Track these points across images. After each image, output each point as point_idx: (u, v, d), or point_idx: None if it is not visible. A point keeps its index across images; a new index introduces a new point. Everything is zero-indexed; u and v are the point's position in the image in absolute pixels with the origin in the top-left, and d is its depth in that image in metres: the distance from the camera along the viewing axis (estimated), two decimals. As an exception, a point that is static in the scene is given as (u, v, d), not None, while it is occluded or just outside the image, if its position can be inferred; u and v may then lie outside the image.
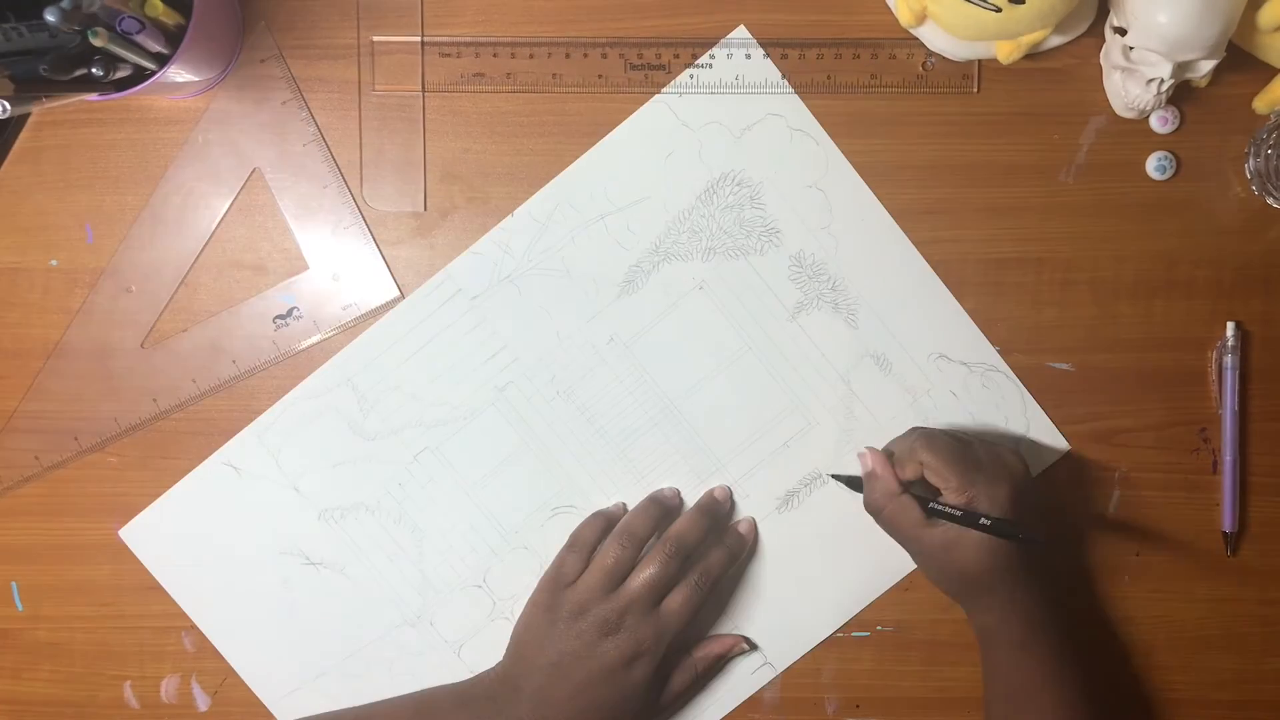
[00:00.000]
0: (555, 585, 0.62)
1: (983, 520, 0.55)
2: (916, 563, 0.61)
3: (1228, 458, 0.63)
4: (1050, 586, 0.59)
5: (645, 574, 0.60)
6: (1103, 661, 0.65)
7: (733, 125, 0.62)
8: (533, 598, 0.63)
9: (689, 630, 0.61)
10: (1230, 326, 0.63)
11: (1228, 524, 0.64)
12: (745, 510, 0.65)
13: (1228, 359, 0.63)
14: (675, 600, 0.60)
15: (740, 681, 0.65)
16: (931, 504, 0.57)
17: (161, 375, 0.64)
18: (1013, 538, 0.55)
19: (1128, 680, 0.65)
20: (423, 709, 0.62)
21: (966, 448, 0.58)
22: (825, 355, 0.63)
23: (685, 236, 0.63)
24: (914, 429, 0.62)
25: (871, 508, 0.60)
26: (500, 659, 0.63)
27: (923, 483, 0.59)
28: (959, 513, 0.56)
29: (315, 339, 0.64)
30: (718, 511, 0.64)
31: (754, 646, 0.65)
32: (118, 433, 0.64)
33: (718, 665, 0.64)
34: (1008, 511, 0.56)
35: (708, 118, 0.63)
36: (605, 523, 0.63)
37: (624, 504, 0.65)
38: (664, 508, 0.63)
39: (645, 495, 0.64)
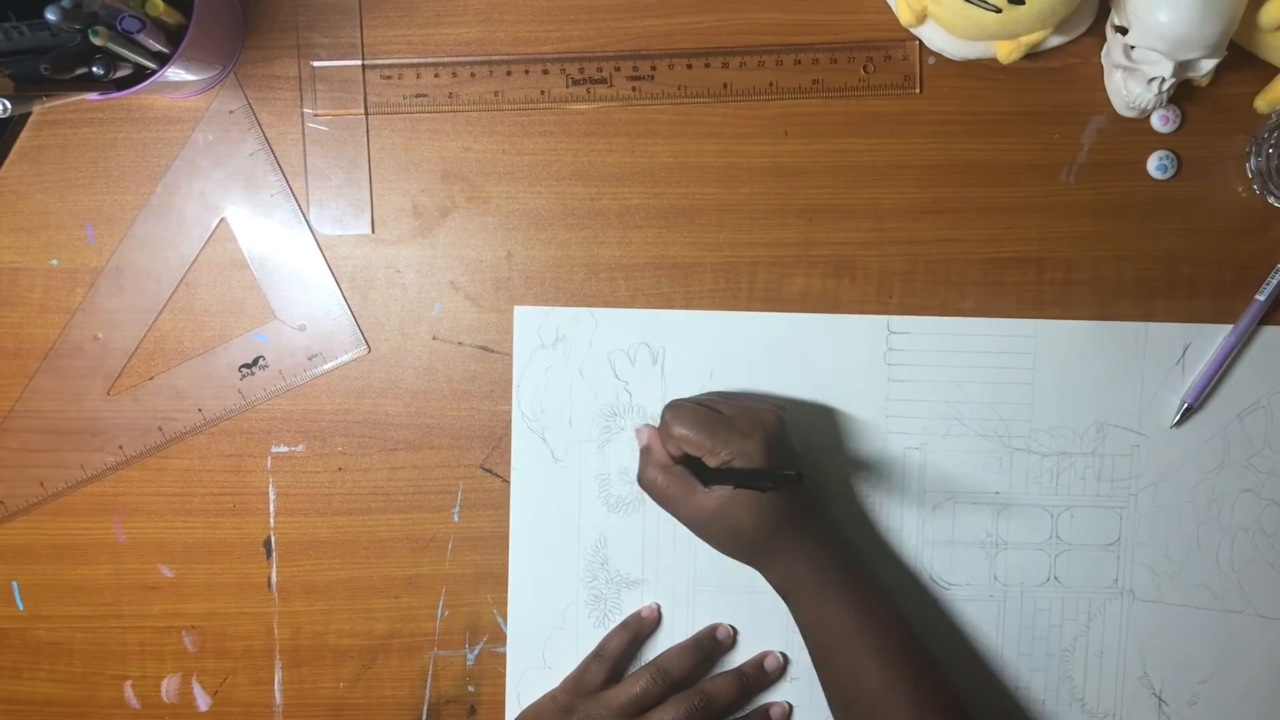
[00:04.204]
0: (577, 690, 0.62)
1: (743, 476, 0.55)
2: (698, 534, 0.59)
3: (1232, 339, 0.62)
4: (827, 531, 0.59)
5: (665, 717, 0.60)
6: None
7: None
8: (553, 693, 0.63)
9: None
10: None
11: (1191, 396, 0.63)
12: None
13: None
14: None
15: None
16: (705, 470, 0.56)
17: (127, 423, 0.64)
18: (762, 487, 0.54)
19: (1129, 681, 0.65)
20: None
21: (713, 411, 0.57)
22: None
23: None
24: (666, 405, 0.60)
25: (645, 482, 0.59)
26: None
27: (686, 455, 0.58)
28: (729, 474, 0.55)
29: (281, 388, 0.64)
30: (757, 681, 0.63)
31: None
32: (83, 479, 0.64)
33: None
34: (763, 462, 0.56)
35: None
36: (632, 635, 0.63)
37: (657, 606, 0.64)
38: (708, 652, 0.63)
39: (706, 626, 0.64)
